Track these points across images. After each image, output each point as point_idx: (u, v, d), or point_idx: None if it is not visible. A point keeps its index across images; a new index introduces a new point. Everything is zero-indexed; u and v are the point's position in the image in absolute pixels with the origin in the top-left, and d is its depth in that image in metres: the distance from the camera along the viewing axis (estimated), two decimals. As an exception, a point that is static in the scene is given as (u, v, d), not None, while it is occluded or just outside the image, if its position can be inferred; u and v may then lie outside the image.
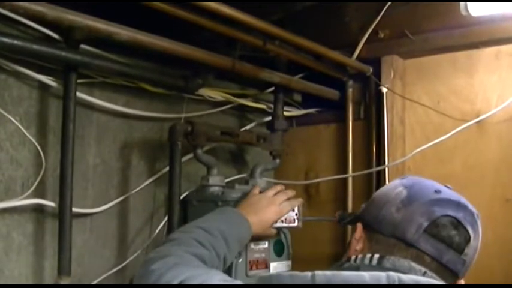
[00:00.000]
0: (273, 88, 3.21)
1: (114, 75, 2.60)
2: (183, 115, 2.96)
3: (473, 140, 3.05)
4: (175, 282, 1.46)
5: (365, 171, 3.15)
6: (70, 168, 2.30)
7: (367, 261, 1.40)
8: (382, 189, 1.68)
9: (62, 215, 2.28)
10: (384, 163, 3.18)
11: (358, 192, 3.34)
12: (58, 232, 2.28)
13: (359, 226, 1.56)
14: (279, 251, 2.72)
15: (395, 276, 1.23)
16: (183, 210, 2.70)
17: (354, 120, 3.40)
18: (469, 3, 2.63)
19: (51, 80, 2.42)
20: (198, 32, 2.49)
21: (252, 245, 2.58)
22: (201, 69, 2.74)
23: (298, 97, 3.61)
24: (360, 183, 3.32)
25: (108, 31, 2.24)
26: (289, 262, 2.77)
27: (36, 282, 2.40)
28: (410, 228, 1.41)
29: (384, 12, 3.12)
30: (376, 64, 3.30)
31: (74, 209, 2.37)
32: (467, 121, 3.01)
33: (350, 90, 3.40)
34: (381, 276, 1.24)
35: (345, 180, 3.33)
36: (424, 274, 1.38)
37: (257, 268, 2.59)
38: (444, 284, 1.42)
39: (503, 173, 2.98)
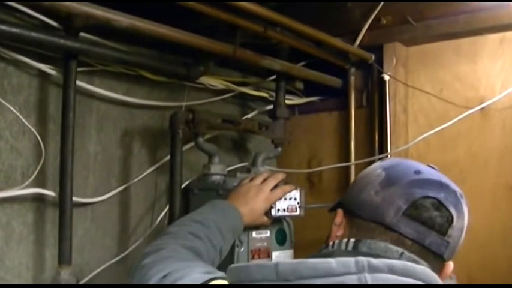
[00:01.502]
0: (274, 76, 3.18)
1: (114, 63, 2.58)
2: (184, 103, 2.94)
3: (477, 127, 3.03)
4: (159, 276, 1.45)
5: (367, 159, 3.12)
6: (70, 157, 2.29)
7: (343, 246, 1.37)
8: (363, 172, 1.59)
9: (63, 205, 2.27)
10: (387, 151, 3.16)
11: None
12: (58, 221, 2.27)
13: (339, 212, 1.51)
14: (281, 240, 2.71)
15: (365, 261, 1.18)
16: (185, 199, 2.68)
17: (356, 108, 3.38)
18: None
19: (51, 68, 2.40)
20: (198, 18, 2.46)
21: (254, 234, 2.57)
22: (202, 57, 2.71)
23: (300, 85, 3.58)
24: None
25: (106, 18, 2.21)
26: (292, 251, 2.76)
27: (36, 271, 2.39)
28: (389, 211, 1.35)
29: (387, -1, 3.10)
30: (379, 51, 3.28)
31: (75, 199, 2.36)
32: (471, 108, 2.99)
33: (352, 77, 3.38)
34: (349, 262, 1.19)
35: (348, 168, 3.31)
36: (401, 255, 1.32)
37: (259, 257, 2.58)
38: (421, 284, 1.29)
39: (506, 160, 2.96)
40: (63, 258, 2.25)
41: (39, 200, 2.40)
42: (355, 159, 3.30)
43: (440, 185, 1.40)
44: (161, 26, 2.39)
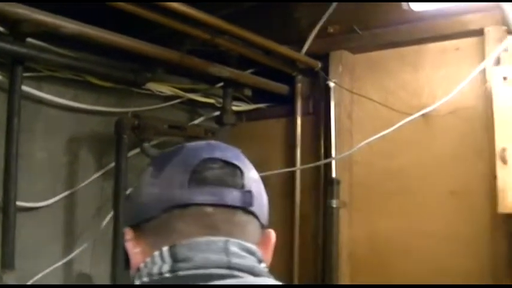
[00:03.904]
0: (222, 83, 3.22)
1: (61, 68, 2.60)
2: (132, 109, 2.96)
3: (420, 134, 3.11)
4: None
5: (312, 164, 3.18)
6: (14, 162, 2.29)
7: (156, 267, 1.11)
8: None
9: (6, 209, 2.27)
10: (331, 156, 3.21)
11: (306, 186, 3.38)
12: (1, 226, 2.27)
13: (127, 231, 1.22)
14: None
15: None
16: (131, 204, 2.69)
17: (303, 115, 3.43)
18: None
19: (-3, 73, 2.41)
20: (149, 28, 2.50)
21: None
22: (150, 64, 2.75)
23: (248, 92, 3.62)
24: (308, 176, 3.36)
25: (55, 24, 2.24)
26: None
27: (-20, 276, 2.39)
28: (174, 190, 1.15)
29: (334, 8, 3.15)
30: (326, 59, 3.35)
31: (20, 203, 2.37)
32: (414, 115, 3.05)
33: (299, 85, 3.43)
34: None
35: (294, 173, 3.36)
36: (226, 244, 1.12)
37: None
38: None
39: (448, 166, 3.04)
40: (6, 262, 2.25)
41: (-17, 205, 2.40)
42: (301, 164, 3.34)
43: (211, 146, 1.24)
44: (109, 33, 2.42)
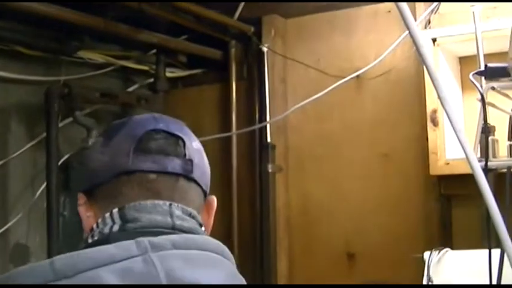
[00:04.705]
0: (155, 50, 3.20)
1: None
2: (62, 78, 2.93)
3: (351, 97, 3.14)
4: None
5: (247, 129, 3.20)
6: None
7: (107, 227, 1.19)
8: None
9: None
10: (266, 120, 3.23)
11: (242, 151, 3.40)
12: None
13: (79, 196, 1.31)
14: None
15: (146, 241, 1.09)
16: (64, 174, 2.69)
17: (237, 80, 3.43)
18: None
19: None
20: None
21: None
22: (76, 31, 2.72)
23: (183, 58, 3.61)
24: (244, 141, 3.38)
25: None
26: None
27: None
28: (121, 158, 1.24)
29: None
30: (258, 24, 3.34)
31: None
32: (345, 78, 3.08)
33: (233, 50, 3.43)
34: (130, 244, 1.09)
35: (230, 139, 3.37)
36: (170, 207, 1.21)
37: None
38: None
39: (378, 129, 3.08)
40: None
41: None
42: (237, 129, 3.36)
43: (156, 119, 1.31)
44: (30, 1, 2.38)
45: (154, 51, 3.25)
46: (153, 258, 1.08)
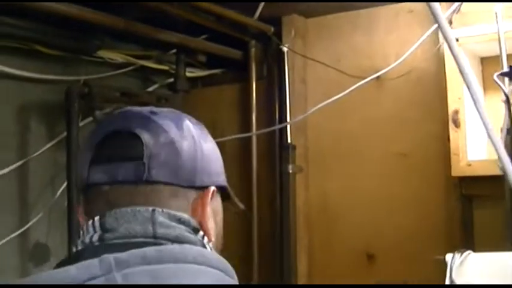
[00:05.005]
0: (175, 50, 3.20)
1: (4, 37, 2.56)
2: (83, 77, 2.94)
3: (372, 97, 3.13)
4: None
5: (267, 130, 3.19)
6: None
7: (88, 236, 1.12)
8: None
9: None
10: (286, 120, 3.22)
11: (262, 151, 3.39)
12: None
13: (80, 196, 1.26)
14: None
15: (111, 258, 1.01)
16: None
17: (257, 80, 3.43)
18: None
19: None
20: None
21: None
22: (97, 31, 2.72)
23: (202, 58, 3.61)
24: (264, 141, 3.37)
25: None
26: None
27: None
28: (83, 170, 1.17)
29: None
30: (278, 24, 3.34)
31: (-31, 174, 2.35)
32: (366, 78, 3.06)
33: (252, 50, 3.42)
34: (92, 264, 1.01)
35: (249, 139, 3.37)
36: (152, 213, 1.11)
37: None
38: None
39: (400, 128, 3.06)
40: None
41: None
42: (256, 129, 3.35)
43: (120, 116, 1.22)
44: (51, 1, 2.38)
45: (174, 51, 3.25)
46: (117, 277, 1.00)
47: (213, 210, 1.21)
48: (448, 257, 2.49)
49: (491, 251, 2.48)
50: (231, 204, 1.34)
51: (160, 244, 1.07)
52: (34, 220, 2.80)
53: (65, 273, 1.00)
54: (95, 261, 1.00)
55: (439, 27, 1.23)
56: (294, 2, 3.22)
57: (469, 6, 2.86)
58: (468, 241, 2.84)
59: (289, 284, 3.21)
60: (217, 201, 1.25)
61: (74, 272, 1.00)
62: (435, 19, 1.21)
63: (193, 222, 1.14)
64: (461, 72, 1.25)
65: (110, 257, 1.00)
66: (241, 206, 1.38)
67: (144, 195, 1.13)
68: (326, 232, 3.25)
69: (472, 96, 1.25)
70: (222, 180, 1.26)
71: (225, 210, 1.28)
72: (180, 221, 1.12)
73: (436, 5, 1.19)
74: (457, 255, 2.49)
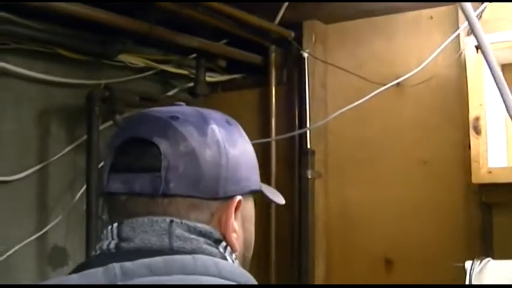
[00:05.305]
0: (195, 54, 3.21)
1: (27, 41, 2.57)
2: (103, 81, 2.95)
3: (393, 103, 3.11)
4: None
5: (287, 135, 3.18)
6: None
7: (106, 242, 1.09)
8: None
9: (-25, 183, 2.27)
10: (306, 126, 3.22)
11: (281, 156, 3.38)
12: (-30, 200, 2.27)
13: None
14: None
15: (117, 267, 0.98)
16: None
17: (277, 85, 3.42)
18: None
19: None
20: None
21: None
22: (118, 35, 2.72)
23: (222, 63, 3.60)
24: (284, 146, 3.36)
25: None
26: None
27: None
28: (104, 176, 1.12)
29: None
30: (299, 29, 3.33)
31: (-11, 177, 2.36)
32: (387, 84, 3.05)
33: (273, 55, 3.42)
34: (97, 273, 0.99)
35: (269, 144, 3.36)
36: (170, 225, 1.07)
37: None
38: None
39: (420, 135, 3.05)
40: (-24, 236, 2.26)
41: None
42: (276, 134, 3.34)
43: (136, 120, 1.17)
44: (73, 4, 2.39)
45: (194, 55, 3.26)
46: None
47: (243, 217, 1.17)
48: (468, 264, 2.48)
49: (511, 259, 2.47)
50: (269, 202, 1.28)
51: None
52: (53, 223, 2.80)
53: (68, 281, 0.99)
54: (99, 270, 0.98)
55: (470, 26, 1.22)
56: (314, 7, 3.22)
57: (490, 14, 2.84)
58: (487, 248, 2.81)
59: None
60: (248, 207, 1.20)
61: (76, 280, 0.99)
62: (468, 20, 1.21)
63: (216, 234, 1.10)
64: (493, 75, 1.24)
65: (117, 266, 0.98)
66: (279, 202, 1.31)
67: (162, 207, 1.09)
68: (344, 237, 3.24)
69: (504, 101, 1.23)
70: (254, 183, 1.20)
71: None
72: (200, 233, 1.08)
73: (468, 5, 1.18)
74: (477, 262, 2.47)
